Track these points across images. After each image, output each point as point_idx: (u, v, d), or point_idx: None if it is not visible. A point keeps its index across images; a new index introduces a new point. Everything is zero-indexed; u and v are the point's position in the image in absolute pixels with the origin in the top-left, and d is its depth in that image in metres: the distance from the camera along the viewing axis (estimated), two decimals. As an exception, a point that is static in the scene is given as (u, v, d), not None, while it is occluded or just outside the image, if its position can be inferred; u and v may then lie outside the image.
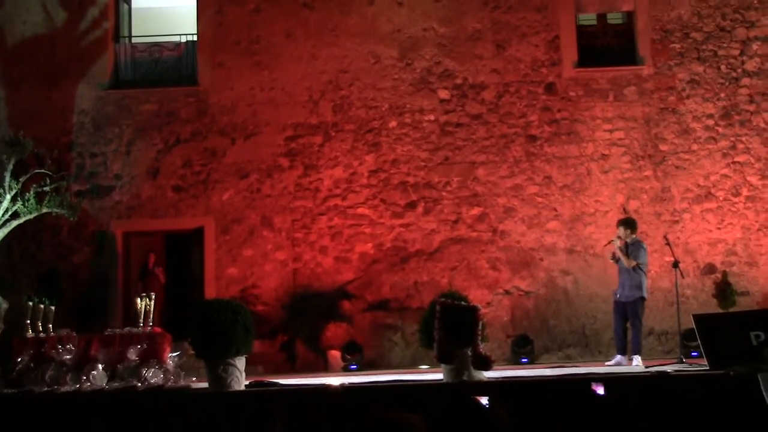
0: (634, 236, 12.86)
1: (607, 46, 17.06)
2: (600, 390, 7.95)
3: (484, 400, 4.13)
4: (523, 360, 15.02)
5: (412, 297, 16.15)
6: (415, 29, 16.93)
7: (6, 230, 14.99)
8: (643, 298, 12.58)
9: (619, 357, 12.46)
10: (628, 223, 13.01)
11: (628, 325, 12.60)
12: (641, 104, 16.51)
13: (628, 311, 12.51)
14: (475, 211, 16.42)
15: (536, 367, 13.73)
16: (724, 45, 16.67)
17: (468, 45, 16.86)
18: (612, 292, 13.16)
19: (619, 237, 12.79)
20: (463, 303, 9.26)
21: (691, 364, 11.07)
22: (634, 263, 12.56)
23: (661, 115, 16.48)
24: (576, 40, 16.83)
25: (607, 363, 12.63)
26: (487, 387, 8.67)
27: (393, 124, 16.71)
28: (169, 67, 17.49)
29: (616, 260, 12.73)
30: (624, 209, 16.09)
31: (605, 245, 13.45)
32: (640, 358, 12.21)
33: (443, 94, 16.80)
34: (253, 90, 16.95)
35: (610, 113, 16.54)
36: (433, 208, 16.44)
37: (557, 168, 16.43)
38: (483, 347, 9.04)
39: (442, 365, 9.17)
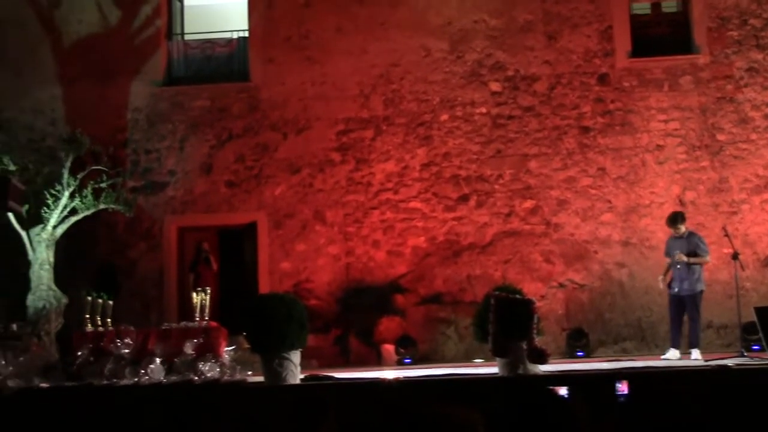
0: (686, 229, 12.66)
1: (662, 35, 16.84)
2: (624, 388, 7.86)
3: (563, 391, 4.06)
4: (579, 353, 14.89)
5: (465, 290, 16.09)
6: (466, 21, 16.84)
7: (64, 226, 15.19)
8: (702, 291, 12.39)
9: (673, 350, 12.27)
10: (683, 217, 12.78)
11: (684, 318, 12.42)
12: (697, 94, 16.27)
13: (687, 305, 12.31)
14: (528, 203, 16.31)
15: (592, 361, 13.62)
16: (784, 31, 16.39)
17: (519, 37, 16.74)
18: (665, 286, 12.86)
19: (678, 236, 12.52)
20: (517, 296, 9.20)
21: (752, 358, 10.91)
22: (708, 258, 12.44)
23: (718, 105, 16.22)
24: (629, 30, 16.62)
25: (662, 357, 12.46)
26: (543, 380, 8.61)
27: (444, 117, 16.64)
28: (220, 63, 17.60)
29: (677, 261, 12.41)
30: (680, 200, 15.88)
31: (663, 278, 12.88)
32: (699, 351, 12.03)
33: (495, 86, 16.70)
34: (304, 85, 16.98)
35: (665, 103, 16.31)
36: (485, 201, 16.36)
37: (611, 159, 16.25)
38: (538, 341, 8.98)
39: (497, 359, 9.12)
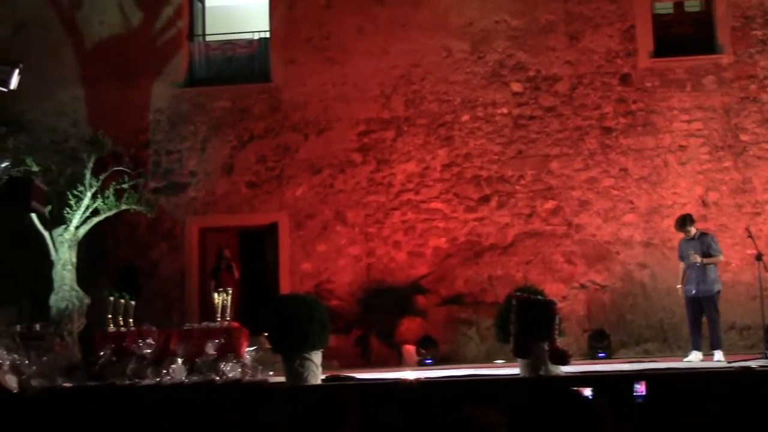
0: (696, 230, 12.57)
1: (685, 34, 16.73)
2: (642, 389, 7.80)
3: (587, 392, 4.04)
4: (601, 355, 14.82)
5: (486, 291, 16.06)
6: (487, 22, 16.80)
7: (87, 227, 15.28)
8: (719, 291, 12.30)
9: (695, 353, 12.18)
10: (692, 219, 12.70)
11: (704, 320, 12.32)
12: (720, 94, 16.16)
13: (705, 306, 12.21)
14: (550, 204, 16.26)
15: (614, 362, 13.56)
16: (810, 31, 16.26)
17: (541, 37, 16.69)
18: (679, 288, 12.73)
19: (690, 238, 12.44)
20: (539, 297, 9.17)
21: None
22: (722, 257, 12.37)
23: (741, 105, 16.11)
24: (652, 30, 16.53)
25: (684, 359, 12.37)
26: (565, 381, 8.57)
27: (465, 117, 16.61)
28: (242, 64, 17.64)
29: (692, 263, 12.32)
30: (702, 201, 15.80)
31: (681, 286, 12.77)
32: (721, 353, 11.94)
33: (516, 87, 16.66)
34: (325, 86, 16.99)
35: (687, 104, 16.22)
36: (506, 202, 16.32)
37: (633, 160, 16.18)
38: (560, 342, 8.95)
39: (519, 360, 9.09)
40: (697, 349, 12.17)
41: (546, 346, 8.80)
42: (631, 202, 16.08)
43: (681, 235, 12.79)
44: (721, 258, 12.49)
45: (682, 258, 12.57)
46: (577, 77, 16.52)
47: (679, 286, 12.61)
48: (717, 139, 16.07)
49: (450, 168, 16.51)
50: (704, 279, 12.18)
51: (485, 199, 16.37)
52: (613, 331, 15.45)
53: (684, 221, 12.59)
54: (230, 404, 8.52)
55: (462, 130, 16.58)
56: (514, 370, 9.48)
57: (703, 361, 11.90)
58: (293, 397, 8.66)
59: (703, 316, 12.29)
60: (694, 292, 12.24)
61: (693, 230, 12.48)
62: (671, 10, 16.94)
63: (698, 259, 12.10)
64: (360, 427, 5.31)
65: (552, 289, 14.77)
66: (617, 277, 15.95)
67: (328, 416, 5.31)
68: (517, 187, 16.33)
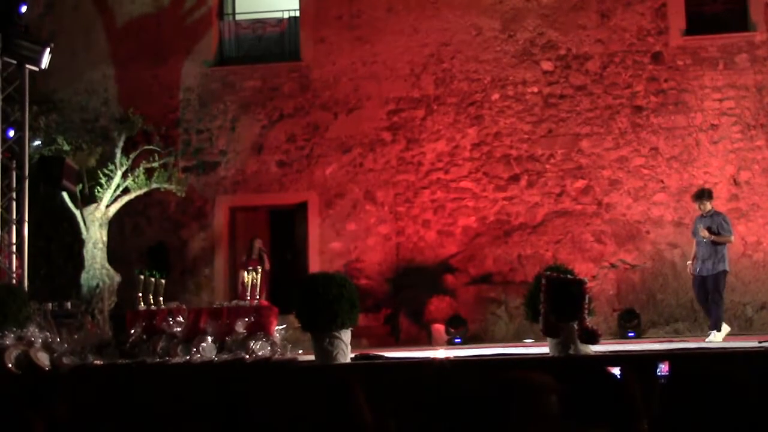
0: (712, 207, 12.42)
1: (717, 12, 16.54)
2: (666, 369, 7.74)
3: (615, 371, 4.04)
4: (630, 334, 14.77)
5: (515, 270, 16.03)
6: (517, 0, 16.68)
7: (117, 206, 15.40)
8: (725, 272, 12.14)
9: (715, 332, 12.01)
10: (710, 194, 12.55)
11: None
12: (753, 72, 15.97)
13: (710, 285, 12.04)
14: (580, 183, 16.17)
15: (643, 342, 13.51)
16: None
17: (571, 15, 16.55)
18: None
19: (704, 215, 12.28)
20: (569, 276, 9.14)
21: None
22: (732, 238, 12.24)
23: (774, 83, 15.94)
24: (684, 7, 16.34)
25: (706, 339, 12.21)
26: (595, 361, 8.56)
27: (495, 96, 16.54)
28: (271, 43, 17.63)
29: (701, 238, 12.17)
30: (734, 180, 15.66)
31: (691, 263, 12.62)
32: (717, 333, 11.79)
33: (546, 65, 16.55)
34: (355, 64, 16.96)
35: (719, 82, 16.05)
36: (536, 181, 16.25)
37: (664, 139, 16.05)
38: (590, 321, 8.92)
39: (548, 339, 9.08)
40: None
41: (575, 326, 8.77)
42: (662, 182, 15.96)
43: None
44: (732, 239, 12.28)
45: (695, 234, 12.42)
46: (608, 56, 16.38)
47: (689, 263, 12.46)
48: (749, 118, 15.90)
49: (480, 147, 16.46)
50: (711, 258, 11.98)
51: (515, 178, 16.31)
52: (643, 310, 15.39)
53: (702, 193, 12.43)
54: (260, 382, 8.57)
55: (492, 108, 16.51)
56: (543, 350, 9.47)
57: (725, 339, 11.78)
58: (322, 375, 8.70)
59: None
60: (699, 270, 12.09)
61: (709, 206, 12.27)
62: (704, -13, 16.76)
63: (707, 234, 11.96)
64: (385, 406, 5.31)
65: (581, 269, 14.70)
66: (647, 256, 15.86)
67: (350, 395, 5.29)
68: (547, 166, 16.26)
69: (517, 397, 3.39)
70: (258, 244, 16.03)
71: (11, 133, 13.36)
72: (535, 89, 16.47)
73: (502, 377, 3.49)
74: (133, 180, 15.41)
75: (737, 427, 3.08)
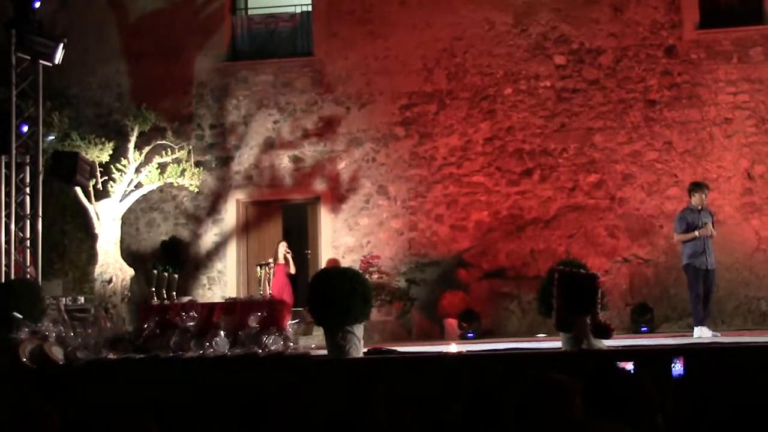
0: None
1: (731, 5, 16.45)
2: (681, 364, 7.72)
3: (629, 366, 4.04)
4: (643, 329, 14.71)
5: (528, 265, 16.00)
6: (530, -6, 16.65)
7: (131, 201, 15.46)
8: None
9: (701, 328, 11.92)
10: (707, 186, 12.54)
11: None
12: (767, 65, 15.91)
13: (711, 280, 12.10)
14: (593, 178, 16.13)
15: (657, 336, 13.47)
16: None
17: (584, 9, 16.50)
18: (688, 260, 12.29)
19: (701, 208, 12.23)
20: (582, 271, 9.13)
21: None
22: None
23: (789, 77, 15.86)
24: (698, 1, 16.26)
25: (694, 336, 12.10)
26: (608, 355, 8.55)
27: (508, 90, 16.50)
28: (284, 38, 17.63)
29: (708, 234, 12.09)
30: (748, 174, 15.60)
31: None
32: (705, 328, 11.76)
33: (559, 59, 16.51)
34: (367, 59, 16.95)
35: (734, 76, 15.98)
36: (549, 176, 16.21)
37: (677, 133, 15.99)
38: (602, 315, 8.91)
39: (561, 333, 9.08)
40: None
41: (588, 320, 8.77)
42: (676, 176, 15.90)
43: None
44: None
45: (689, 227, 12.19)
46: (621, 50, 16.33)
47: (696, 233, 12.22)
48: (764, 112, 15.82)
49: (492, 141, 16.43)
50: (712, 252, 12.11)
51: (528, 173, 16.28)
52: (656, 305, 15.33)
53: (704, 185, 12.46)
54: (273, 376, 8.59)
55: (504, 103, 16.48)
56: (556, 344, 9.47)
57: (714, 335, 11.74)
58: (335, 369, 8.72)
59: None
60: (707, 264, 12.05)
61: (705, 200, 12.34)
62: (717, -19, 16.68)
63: (713, 230, 12.01)
64: (397, 401, 5.31)
65: (594, 263, 14.69)
66: (661, 251, 15.80)
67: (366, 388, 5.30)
68: (560, 161, 16.22)
69: (549, 399, 3.40)
70: (283, 248, 15.84)
71: (25, 129, 13.44)
72: (548, 83, 16.43)
73: (532, 378, 3.50)
74: (147, 175, 15.47)
75: (751, 421, 3.09)
